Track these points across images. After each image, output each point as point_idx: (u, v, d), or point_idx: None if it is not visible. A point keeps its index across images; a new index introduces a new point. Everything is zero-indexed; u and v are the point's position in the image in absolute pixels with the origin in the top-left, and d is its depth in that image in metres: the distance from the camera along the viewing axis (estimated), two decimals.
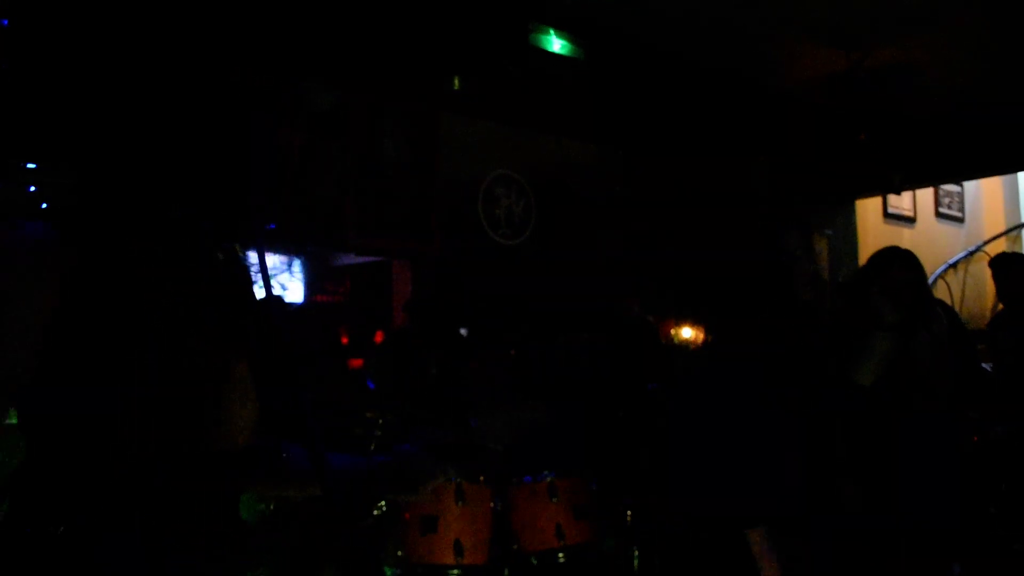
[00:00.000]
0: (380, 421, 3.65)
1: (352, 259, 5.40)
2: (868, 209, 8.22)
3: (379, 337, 4.87)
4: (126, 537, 1.39)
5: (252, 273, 1.53)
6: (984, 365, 5.32)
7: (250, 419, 1.61)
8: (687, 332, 5.54)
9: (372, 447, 3.15)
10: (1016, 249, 9.38)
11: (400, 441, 3.64)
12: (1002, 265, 5.24)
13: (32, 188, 4.00)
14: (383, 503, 3.16)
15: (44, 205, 1.46)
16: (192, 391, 1.50)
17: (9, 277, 1.40)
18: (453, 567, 3.41)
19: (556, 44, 4.81)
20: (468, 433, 1.70)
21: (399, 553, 3.49)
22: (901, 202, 8.58)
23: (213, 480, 1.50)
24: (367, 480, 1.68)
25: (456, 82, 4.89)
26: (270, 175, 1.49)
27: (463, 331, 4.72)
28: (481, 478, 3.47)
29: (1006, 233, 9.67)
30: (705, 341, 4.75)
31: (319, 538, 1.41)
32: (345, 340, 4.77)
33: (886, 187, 7.15)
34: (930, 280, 8.19)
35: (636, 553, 3.87)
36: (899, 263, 3.41)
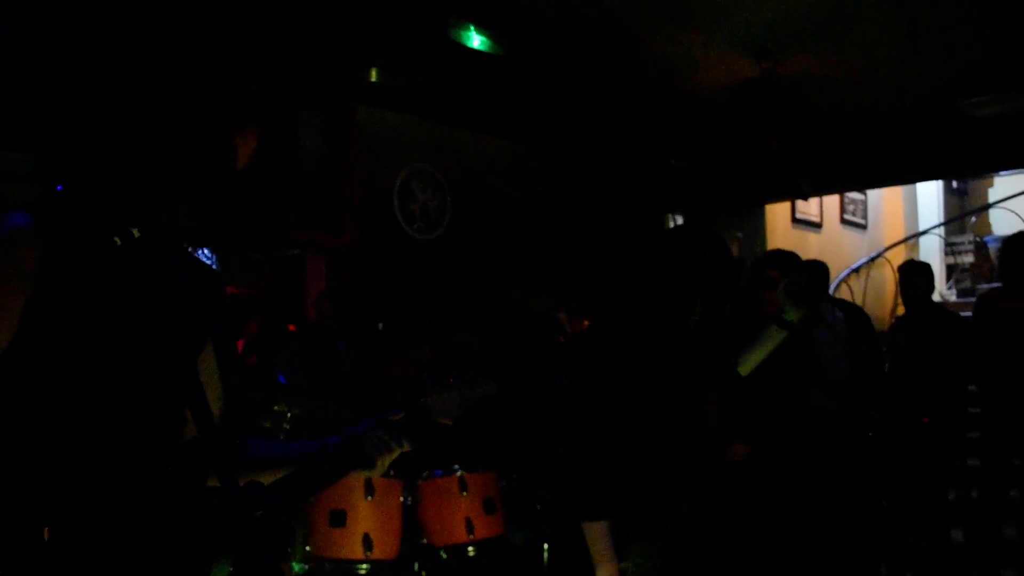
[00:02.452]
0: (288, 415, 3.60)
1: (264, 252, 5.31)
2: (777, 214, 8.45)
3: (291, 330, 4.79)
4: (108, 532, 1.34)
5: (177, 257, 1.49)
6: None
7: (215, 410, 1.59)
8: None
9: (281, 439, 3.10)
10: (914, 256, 9.78)
11: (310, 435, 3.60)
12: (908, 272, 5.47)
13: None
14: None
15: (60, 188, 1.40)
16: (169, 384, 1.47)
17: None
18: (362, 562, 3.38)
19: (475, 40, 4.81)
20: (417, 410, 1.70)
21: (307, 548, 3.45)
22: (808, 208, 8.84)
23: (186, 471, 1.47)
24: (325, 460, 1.65)
25: (374, 74, 4.84)
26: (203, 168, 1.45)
27: (380, 325, 4.69)
28: (391, 472, 3.45)
29: (905, 241, 10.07)
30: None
31: (216, 532, 1.37)
32: (255, 330, 4.68)
33: (795, 193, 7.35)
34: (834, 284, 8.48)
35: (545, 547, 3.90)
36: (802, 266, 3.56)
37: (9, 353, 1.33)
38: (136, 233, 1.38)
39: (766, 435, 3.43)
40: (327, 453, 1.66)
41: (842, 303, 5.66)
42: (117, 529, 1.37)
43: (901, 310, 5.68)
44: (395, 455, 1.69)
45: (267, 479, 1.58)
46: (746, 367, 3.00)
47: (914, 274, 5.42)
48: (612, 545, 2.51)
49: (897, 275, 5.64)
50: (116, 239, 1.37)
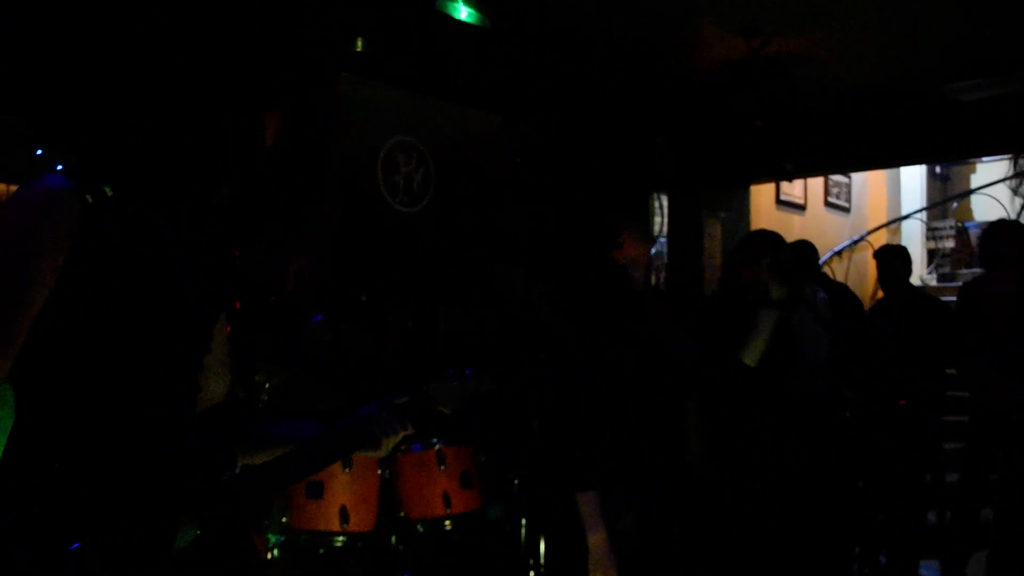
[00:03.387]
0: (267, 385, 3.58)
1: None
2: (761, 195, 8.47)
3: (271, 300, 4.76)
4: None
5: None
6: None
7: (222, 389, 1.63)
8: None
9: (259, 407, 3.09)
10: (896, 240, 9.83)
11: (287, 406, 3.59)
12: (885, 256, 5.49)
13: (39, 152, 3.87)
14: None
15: (59, 167, 1.42)
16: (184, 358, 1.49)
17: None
18: (339, 534, 3.38)
19: (463, 12, 4.76)
20: (420, 396, 1.78)
21: (284, 519, 3.44)
22: (793, 190, 8.87)
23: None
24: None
25: (360, 44, 4.79)
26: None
27: (363, 298, 4.66)
28: None
29: (887, 225, 10.12)
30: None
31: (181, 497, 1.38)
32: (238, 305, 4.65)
33: (779, 174, 7.37)
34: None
35: (523, 522, 3.91)
36: (783, 245, 3.56)
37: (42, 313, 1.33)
38: (108, 191, 1.40)
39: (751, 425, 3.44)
40: (336, 432, 1.70)
41: (829, 283, 5.69)
42: (117, 528, 1.36)
43: (881, 294, 5.70)
44: (399, 437, 1.75)
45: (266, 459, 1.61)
46: (753, 356, 3.01)
47: (891, 258, 5.44)
48: (602, 514, 2.56)
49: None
50: (88, 196, 1.37)
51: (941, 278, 10.09)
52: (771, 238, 3.67)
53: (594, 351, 2.65)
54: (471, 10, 4.72)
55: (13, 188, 4.28)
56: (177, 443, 1.44)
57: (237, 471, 1.49)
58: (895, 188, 10.38)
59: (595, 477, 2.59)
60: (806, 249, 5.19)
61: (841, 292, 5.45)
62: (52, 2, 3.90)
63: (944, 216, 10.67)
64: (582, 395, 2.61)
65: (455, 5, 4.66)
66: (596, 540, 2.55)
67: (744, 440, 3.38)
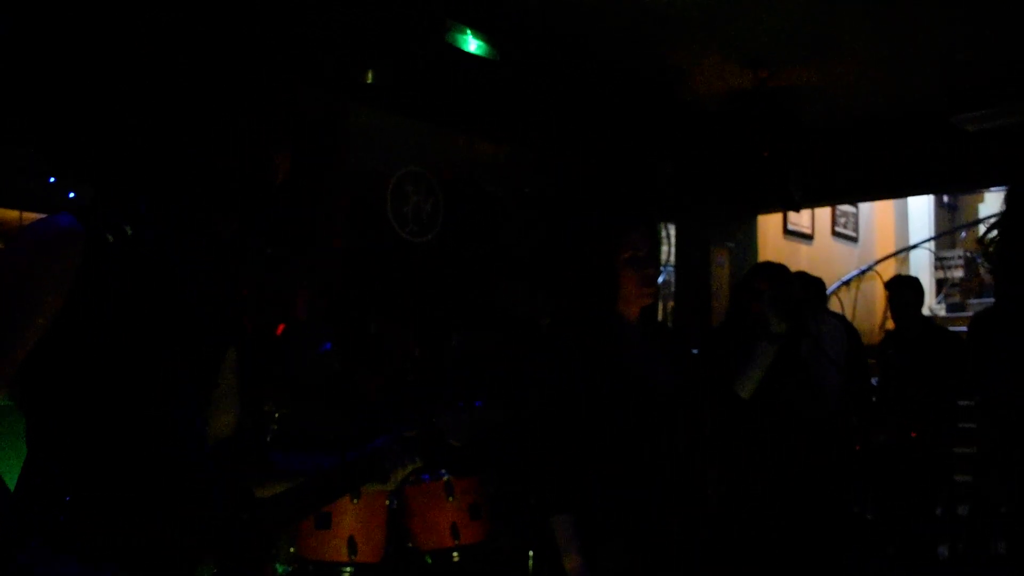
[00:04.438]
0: (276, 415, 3.58)
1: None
2: (769, 224, 8.48)
3: (280, 330, 4.77)
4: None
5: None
6: (873, 379, 5.56)
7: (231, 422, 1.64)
8: None
9: (268, 439, 3.08)
10: (904, 270, 9.82)
11: (296, 436, 3.58)
12: (897, 287, 5.47)
13: (52, 180, 3.92)
14: None
15: (71, 195, 1.47)
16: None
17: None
18: (346, 564, 3.36)
19: (472, 44, 4.80)
20: (430, 428, 1.78)
21: (292, 550, 3.42)
22: (800, 219, 8.87)
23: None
24: (344, 474, 1.71)
25: (369, 76, 4.83)
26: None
27: (372, 327, 4.66)
28: None
29: (895, 254, 10.11)
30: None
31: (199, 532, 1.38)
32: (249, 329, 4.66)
33: (787, 204, 7.38)
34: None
35: (531, 554, 3.89)
36: (788, 277, 3.57)
37: (37, 348, 1.37)
38: (128, 231, 1.42)
39: (761, 446, 3.43)
40: (345, 466, 1.70)
41: (831, 315, 5.67)
42: (117, 529, 1.37)
43: (891, 324, 5.68)
44: (408, 470, 1.75)
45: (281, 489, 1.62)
46: (747, 390, 2.97)
47: (902, 289, 5.42)
48: (576, 537, 2.52)
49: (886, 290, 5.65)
50: (109, 236, 1.40)
51: (950, 308, 10.05)
52: (774, 271, 3.67)
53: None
54: (480, 42, 4.77)
55: (27, 215, 4.32)
56: (193, 478, 1.44)
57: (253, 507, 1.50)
58: (903, 217, 10.38)
59: (570, 499, 2.55)
60: (811, 281, 5.17)
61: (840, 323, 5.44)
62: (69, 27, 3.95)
63: (953, 245, 10.66)
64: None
65: (464, 37, 4.71)
66: (572, 564, 2.52)
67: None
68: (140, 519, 1.38)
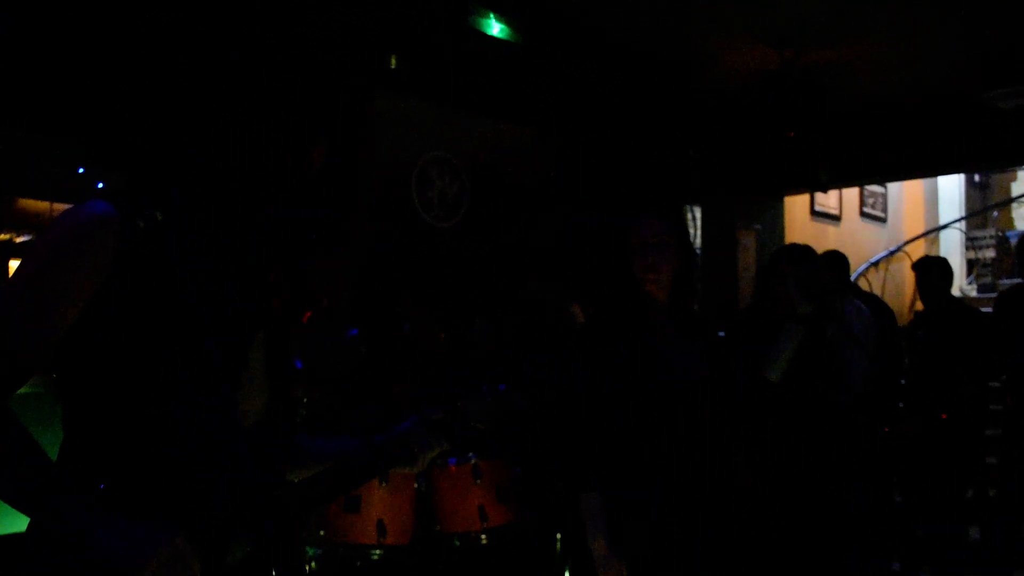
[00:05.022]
0: (305, 400, 3.62)
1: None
2: (796, 206, 8.41)
3: (307, 316, 4.80)
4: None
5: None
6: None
7: (261, 405, 1.67)
8: None
9: (296, 423, 3.11)
10: (934, 251, 9.70)
11: (327, 420, 3.61)
12: (924, 268, 5.42)
13: (81, 170, 3.96)
14: None
15: (100, 185, 1.50)
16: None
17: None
18: (375, 547, 3.39)
19: (495, 28, 4.79)
20: (455, 412, 1.81)
21: (321, 532, 3.46)
22: (827, 200, 8.79)
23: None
24: (372, 457, 1.74)
25: (393, 61, 4.84)
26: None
27: (397, 309, 4.68)
28: None
29: (925, 235, 9.99)
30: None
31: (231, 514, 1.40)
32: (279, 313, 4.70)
33: (814, 185, 7.32)
34: (852, 278, 8.43)
35: (558, 536, 3.91)
36: (813, 259, 3.55)
37: (69, 334, 1.38)
38: (159, 217, 1.44)
39: (777, 434, 3.42)
40: (373, 449, 1.72)
41: (861, 295, 5.63)
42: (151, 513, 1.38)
43: (920, 305, 5.63)
44: (435, 453, 1.77)
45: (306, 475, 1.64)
46: (776, 372, 2.98)
47: (930, 269, 5.36)
48: (602, 517, 2.54)
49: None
50: (140, 223, 1.42)
51: (981, 288, 9.92)
52: (799, 253, 3.65)
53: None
54: (503, 26, 4.76)
55: (57, 206, 4.37)
56: (227, 459, 1.46)
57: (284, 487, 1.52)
58: (933, 197, 10.24)
59: (595, 477, 2.57)
60: (838, 260, 5.13)
61: (873, 304, 5.39)
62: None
63: (984, 225, 10.50)
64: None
65: (487, 21, 4.70)
66: (597, 545, 2.54)
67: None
68: (173, 502, 1.40)
